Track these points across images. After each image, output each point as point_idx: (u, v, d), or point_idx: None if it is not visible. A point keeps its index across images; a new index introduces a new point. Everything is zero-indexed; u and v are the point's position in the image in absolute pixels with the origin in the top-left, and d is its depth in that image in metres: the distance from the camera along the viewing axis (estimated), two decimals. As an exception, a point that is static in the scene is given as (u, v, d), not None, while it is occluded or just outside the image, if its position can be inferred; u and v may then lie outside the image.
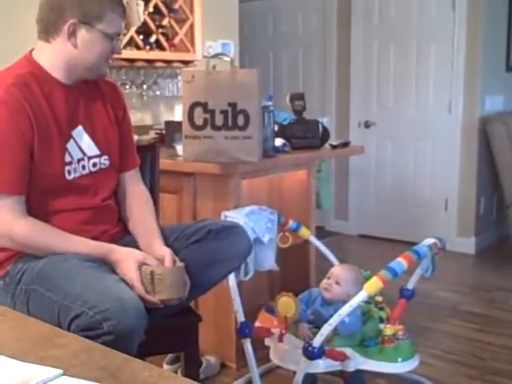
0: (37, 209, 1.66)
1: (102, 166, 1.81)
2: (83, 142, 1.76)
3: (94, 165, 1.79)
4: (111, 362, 1.02)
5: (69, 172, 1.71)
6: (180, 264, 1.66)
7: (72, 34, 1.66)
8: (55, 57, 1.69)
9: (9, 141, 1.58)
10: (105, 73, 1.80)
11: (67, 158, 1.71)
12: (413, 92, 4.90)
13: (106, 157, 1.81)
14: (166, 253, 1.68)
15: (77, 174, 1.73)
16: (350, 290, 2.22)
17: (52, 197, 1.70)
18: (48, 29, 1.68)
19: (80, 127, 1.75)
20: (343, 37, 5.20)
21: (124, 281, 1.56)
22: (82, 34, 1.66)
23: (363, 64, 5.13)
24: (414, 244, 2.22)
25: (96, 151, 1.79)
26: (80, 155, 1.75)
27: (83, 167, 1.75)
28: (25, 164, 1.61)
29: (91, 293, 1.45)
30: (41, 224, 1.64)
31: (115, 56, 1.79)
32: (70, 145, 1.72)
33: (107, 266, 1.63)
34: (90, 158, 1.77)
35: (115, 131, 1.85)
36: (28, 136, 1.61)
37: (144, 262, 1.62)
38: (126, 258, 1.62)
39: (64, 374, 0.98)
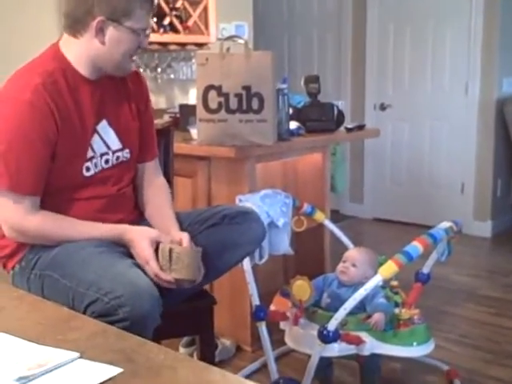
0: (51, 199, 1.66)
1: (124, 159, 1.81)
2: (108, 136, 1.75)
3: (118, 158, 1.79)
4: (127, 345, 1.03)
5: (88, 169, 1.71)
6: (197, 248, 1.66)
7: (100, 31, 1.63)
8: (81, 53, 1.67)
9: (32, 142, 1.58)
10: (130, 70, 1.77)
11: (89, 154, 1.70)
12: (429, 73, 4.84)
13: (127, 150, 1.81)
14: (184, 236, 1.68)
15: (97, 169, 1.73)
16: (366, 272, 2.21)
17: (69, 190, 1.70)
18: (75, 24, 1.65)
19: (105, 121, 1.74)
20: (359, 19, 5.14)
21: (138, 265, 1.56)
22: (110, 31, 1.63)
23: (379, 46, 5.08)
24: (430, 227, 2.20)
25: (119, 145, 1.78)
26: (104, 149, 1.74)
27: (106, 161, 1.75)
28: (44, 167, 1.61)
29: (105, 279, 1.45)
30: (52, 215, 1.64)
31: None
32: (94, 140, 1.72)
33: (121, 248, 1.63)
34: (114, 152, 1.77)
35: (136, 124, 1.84)
36: (52, 138, 1.60)
37: (158, 240, 1.62)
38: (141, 237, 1.62)
39: (80, 357, 0.98)
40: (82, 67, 1.69)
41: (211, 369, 0.95)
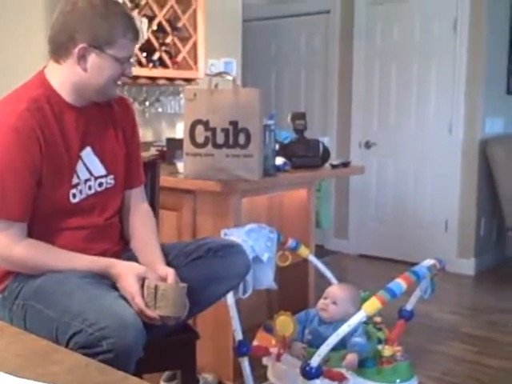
0: (39, 228, 1.66)
1: (108, 186, 1.81)
2: (91, 163, 1.76)
3: (100, 184, 1.78)
4: (108, 379, 1.02)
5: (74, 195, 1.71)
6: (183, 284, 1.66)
7: (81, 58, 1.64)
8: (65, 79, 1.69)
9: (17, 168, 1.59)
10: (114, 95, 1.78)
11: (75, 180, 1.71)
12: (413, 112, 4.92)
13: (111, 176, 1.81)
14: (170, 272, 1.68)
15: (82, 196, 1.73)
16: (348, 309, 2.21)
17: (55, 217, 1.70)
18: (58, 50, 1.67)
19: (89, 148, 1.75)
20: (345, 56, 5.24)
21: (123, 297, 1.56)
22: (92, 58, 1.65)
23: (365, 84, 5.16)
24: (414, 264, 2.22)
25: (102, 171, 1.79)
26: (87, 176, 1.75)
27: (89, 187, 1.75)
28: (30, 193, 1.61)
29: (91, 310, 1.45)
30: (39, 244, 1.64)
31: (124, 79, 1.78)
32: (79, 166, 1.72)
33: (107, 281, 1.63)
34: (96, 178, 1.77)
35: (122, 150, 1.85)
36: (37, 163, 1.61)
37: (145, 276, 1.62)
38: (127, 272, 1.62)
39: (60, 391, 0.98)
40: (65, 93, 1.70)
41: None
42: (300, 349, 2.16)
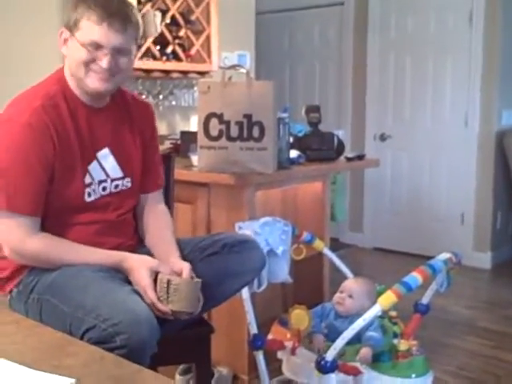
0: (51, 222, 1.67)
1: (124, 188, 1.80)
2: (108, 164, 1.75)
3: (116, 186, 1.78)
4: (123, 372, 1.02)
5: (89, 194, 1.71)
6: (197, 279, 1.66)
7: (64, 43, 1.66)
8: (67, 70, 1.70)
9: (31, 164, 1.59)
10: (93, 87, 1.65)
11: (87, 180, 1.70)
12: (429, 105, 4.88)
13: (128, 179, 1.81)
14: (185, 266, 1.67)
15: (97, 196, 1.73)
16: (364, 303, 2.20)
17: (67, 213, 1.70)
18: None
19: (106, 149, 1.75)
20: (359, 49, 5.20)
21: (137, 292, 1.56)
22: (69, 42, 1.65)
23: (379, 76, 5.12)
24: (430, 258, 2.20)
25: (119, 174, 1.78)
26: (103, 177, 1.74)
27: (104, 188, 1.75)
28: (43, 188, 1.62)
29: (104, 305, 1.45)
30: (52, 238, 1.64)
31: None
32: (93, 166, 1.72)
33: (120, 274, 1.63)
34: (112, 180, 1.77)
35: (139, 154, 1.84)
36: (50, 159, 1.61)
37: (157, 270, 1.61)
38: (140, 265, 1.62)
39: (76, 384, 0.98)
40: (78, 92, 1.70)
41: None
42: (321, 341, 2.14)
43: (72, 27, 1.61)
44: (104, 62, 1.61)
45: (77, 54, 1.62)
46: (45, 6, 3.26)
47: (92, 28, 1.59)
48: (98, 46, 1.60)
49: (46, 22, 3.22)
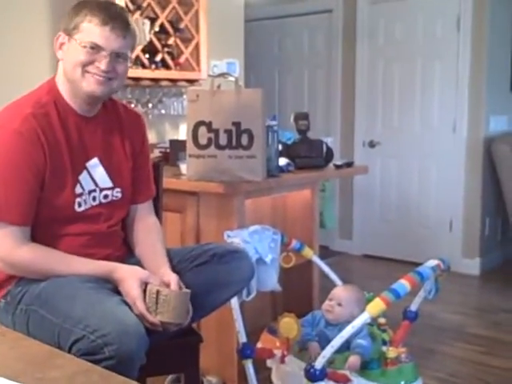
0: (41, 232, 1.66)
1: (114, 198, 1.79)
2: (97, 174, 1.74)
3: (106, 197, 1.77)
4: (108, 385, 1.01)
5: (79, 204, 1.70)
6: (186, 290, 1.65)
7: (60, 47, 1.67)
8: (61, 78, 1.70)
9: (20, 172, 1.58)
10: (89, 90, 1.65)
11: (78, 190, 1.69)
12: (417, 111, 4.90)
13: (118, 189, 1.80)
14: (172, 278, 1.67)
15: (87, 206, 1.72)
16: (353, 311, 2.20)
17: (59, 224, 1.69)
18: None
19: (96, 159, 1.74)
20: (348, 56, 5.23)
21: (125, 303, 1.55)
22: (66, 45, 1.66)
23: (368, 83, 5.15)
24: (419, 264, 2.21)
25: (109, 184, 1.77)
26: (92, 187, 1.73)
27: (94, 199, 1.74)
28: (33, 196, 1.61)
29: (93, 316, 1.44)
30: (41, 248, 1.63)
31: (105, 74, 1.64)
32: (83, 176, 1.71)
33: (109, 285, 1.62)
34: (101, 189, 1.76)
35: (129, 164, 1.84)
36: (40, 168, 1.60)
37: (147, 281, 1.61)
38: (129, 276, 1.61)
39: (61, 397, 0.97)
40: (70, 100, 1.69)
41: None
42: (317, 349, 2.14)
43: (71, 31, 1.63)
44: (103, 64, 1.62)
45: (75, 56, 1.63)
46: (34, 15, 3.25)
47: (94, 30, 1.61)
48: (98, 48, 1.62)
49: (35, 33, 3.21)
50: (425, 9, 4.78)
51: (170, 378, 2.52)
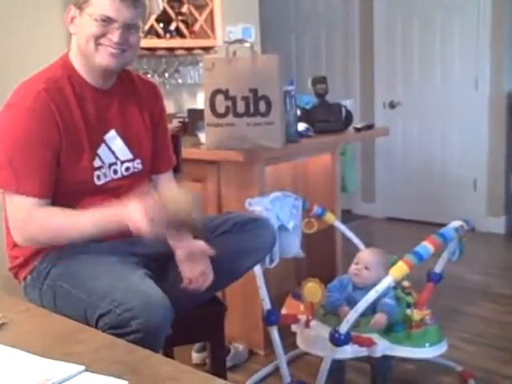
0: (61, 206, 1.65)
1: (135, 170, 1.79)
2: (116, 147, 1.74)
3: (127, 169, 1.77)
4: (132, 358, 1.03)
5: (98, 177, 1.70)
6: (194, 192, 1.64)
7: (71, 22, 1.65)
8: (75, 53, 1.69)
9: (35, 146, 1.58)
10: (103, 63, 1.64)
11: (97, 163, 1.69)
12: (438, 69, 4.81)
13: (138, 161, 1.79)
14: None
15: (107, 179, 1.72)
16: (380, 274, 2.19)
17: (79, 197, 1.68)
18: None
19: (113, 131, 1.73)
20: (366, 14, 5.11)
21: (150, 276, 1.56)
22: (77, 19, 1.64)
23: (387, 42, 5.04)
24: (444, 225, 2.19)
25: (129, 155, 1.77)
26: (112, 159, 1.73)
27: (115, 171, 1.74)
28: (51, 170, 1.61)
29: (118, 290, 1.45)
30: (53, 208, 1.61)
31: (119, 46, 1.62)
32: (102, 150, 1.71)
33: (133, 259, 1.64)
34: (122, 162, 1.76)
35: (149, 135, 1.83)
36: (55, 143, 1.60)
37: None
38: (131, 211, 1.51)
39: (86, 370, 0.99)
40: (85, 73, 1.69)
41: (215, 380, 0.95)
42: (348, 312, 2.14)
43: (82, 4, 1.61)
44: (115, 35, 1.61)
45: (87, 29, 1.62)
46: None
47: (104, 2, 1.59)
48: (109, 21, 1.60)
49: (49, 8, 3.19)
50: (444, -38, 4.64)
51: (197, 345, 2.56)
